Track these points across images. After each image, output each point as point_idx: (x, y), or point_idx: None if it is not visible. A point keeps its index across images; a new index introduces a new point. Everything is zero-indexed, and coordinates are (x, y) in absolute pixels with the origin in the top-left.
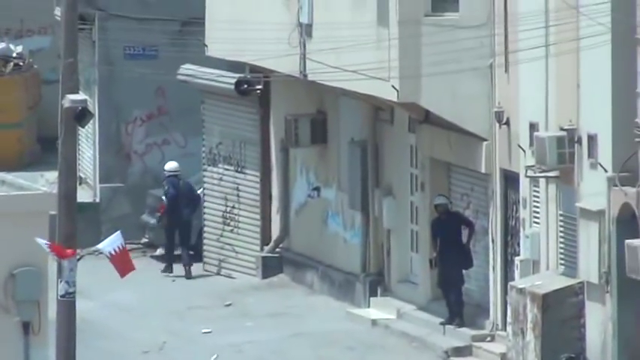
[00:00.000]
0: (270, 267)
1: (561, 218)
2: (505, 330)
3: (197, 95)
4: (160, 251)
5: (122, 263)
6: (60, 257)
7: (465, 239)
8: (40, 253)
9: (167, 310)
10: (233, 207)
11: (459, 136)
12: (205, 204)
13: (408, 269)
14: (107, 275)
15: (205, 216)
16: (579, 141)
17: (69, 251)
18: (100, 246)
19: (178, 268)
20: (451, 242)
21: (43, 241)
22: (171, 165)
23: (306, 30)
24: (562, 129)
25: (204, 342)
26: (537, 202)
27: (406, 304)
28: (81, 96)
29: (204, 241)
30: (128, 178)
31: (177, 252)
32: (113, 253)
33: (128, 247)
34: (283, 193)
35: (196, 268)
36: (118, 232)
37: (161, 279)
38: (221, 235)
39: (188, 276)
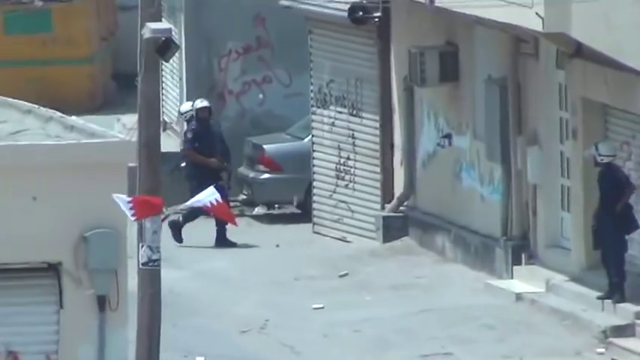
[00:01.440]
0: (392, 229)
1: None
2: None
3: (303, 24)
4: (258, 210)
5: (224, 212)
6: (142, 215)
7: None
8: (117, 212)
9: (270, 281)
10: (348, 158)
11: (618, 73)
12: (314, 154)
13: (558, 232)
14: (198, 239)
15: (314, 168)
16: None
17: (154, 203)
18: (190, 202)
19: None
20: (606, 202)
21: (121, 197)
22: (186, 106)
23: None
24: None
25: (315, 319)
26: None
27: (556, 274)
28: (164, 24)
29: (314, 198)
30: (221, 122)
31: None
32: (209, 205)
33: None
34: (407, 142)
35: (303, 231)
36: (212, 186)
37: (263, 243)
38: (334, 192)
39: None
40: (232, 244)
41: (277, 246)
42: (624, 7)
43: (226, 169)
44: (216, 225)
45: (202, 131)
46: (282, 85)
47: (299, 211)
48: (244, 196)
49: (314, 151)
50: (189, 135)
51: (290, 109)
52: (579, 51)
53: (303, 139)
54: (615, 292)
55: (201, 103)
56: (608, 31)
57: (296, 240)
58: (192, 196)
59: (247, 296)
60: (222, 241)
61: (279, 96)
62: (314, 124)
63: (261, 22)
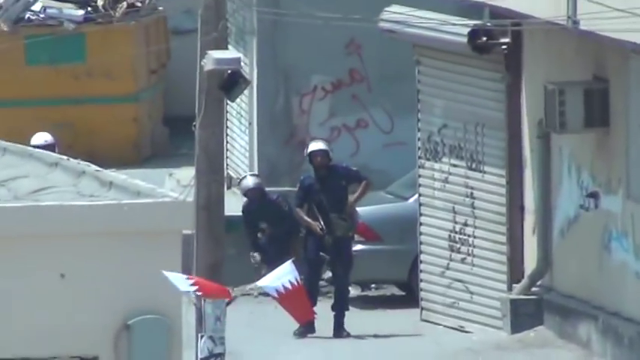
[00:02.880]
0: (523, 316)
1: None
2: None
3: (410, 53)
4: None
5: (298, 305)
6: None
7: None
8: (170, 293)
9: None
10: (465, 224)
11: None
12: (422, 219)
13: None
14: (272, 327)
15: (422, 237)
16: None
17: (218, 288)
18: (262, 282)
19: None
20: None
21: (175, 275)
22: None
23: None
24: None
25: None
26: None
27: None
28: (232, 53)
29: (421, 276)
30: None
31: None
32: (282, 291)
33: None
34: (542, 203)
35: (408, 317)
36: (289, 261)
37: (357, 334)
38: (447, 267)
39: None
40: (347, 334)
41: (374, 336)
42: None
43: (324, 239)
44: (334, 308)
45: (317, 184)
46: (382, 132)
47: (402, 293)
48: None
49: (421, 215)
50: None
51: (391, 162)
52: None
53: (407, 199)
54: None
55: (315, 144)
56: None
57: (399, 329)
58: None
59: None
60: (339, 329)
61: (377, 145)
62: (422, 181)
63: (356, 50)
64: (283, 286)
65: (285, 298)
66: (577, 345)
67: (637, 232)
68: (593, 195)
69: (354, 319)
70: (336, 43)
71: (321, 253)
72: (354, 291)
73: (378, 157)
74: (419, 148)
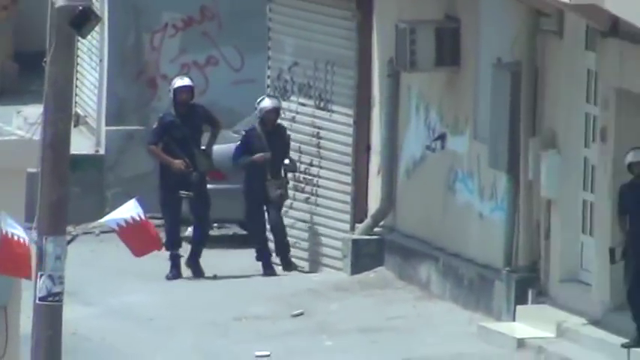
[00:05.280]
0: (364, 256)
1: None
2: None
3: None
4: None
5: (139, 238)
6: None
7: None
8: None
9: (204, 321)
10: (310, 164)
11: None
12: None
13: (577, 262)
14: (115, 267)
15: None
16: None
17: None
18: (104, 219)
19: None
20: None
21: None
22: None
23: None
24: None
25: None
26: None
27: (571, 316)
28: None
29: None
30: (151, 116)
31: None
32: (124, 224)
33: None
34: (388, 143)
35: (249, 257)
36: (134, 199)
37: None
38: (290, 207)
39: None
40: (200, 273)
41: (214, 277)
42: None
43: (190, 175)
44: (191, 242)
45: (178, 120)
46: (232, 69)
47: (244, 232)
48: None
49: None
50: (156, 124)
51: (240, 100)
52: (615, 28)
53: None
54: None
55: (181, 80)
56: None
57: (239, 269)
58: (166, 211)
59: (173, 341)
60: (193, 262)
61: (226, 82)
62: None
63: None
64: (125, 220)
65: (125, 231)
66: (417, 286)
67: (482, 173)
68: (440, 137)
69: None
70: None
71: (182, 191)
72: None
73: (227, 95)
74: (268, 86)
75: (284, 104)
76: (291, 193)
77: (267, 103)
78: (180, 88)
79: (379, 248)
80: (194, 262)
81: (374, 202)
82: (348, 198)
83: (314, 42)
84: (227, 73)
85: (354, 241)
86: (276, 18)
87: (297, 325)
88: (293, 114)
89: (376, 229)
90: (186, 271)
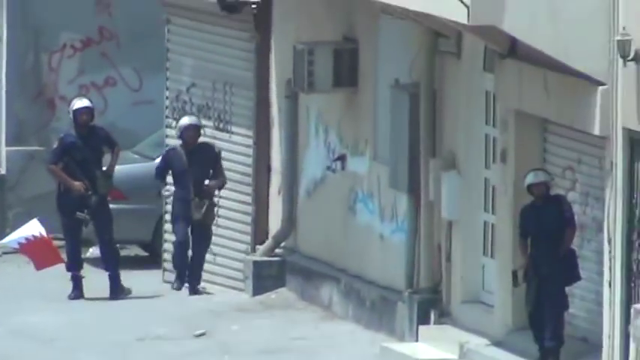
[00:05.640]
0: (266, 278)
1: None
2: None
3: (159, 12)
4: (93, 251)
5: (40, 252)
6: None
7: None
8: None
9: (107, 341)
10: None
11: (561, 79)
12: (168, 179)
13: (478, 283)
14: (15, 286)
15: (168, 198)
16: None
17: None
18: (5, 240)
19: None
20: (550, 243)
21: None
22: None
23: None
24: None
25: None
26: None
27: (473, 337)
28: None
29: (165, 236)
30: (51, 137)
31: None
32: (24, 242)
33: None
34: (289, 164)
35: (151, 278)
36: (35, 219)
37: (99, 293)
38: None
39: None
40: (128, 292)
41: (128, 296)
42: None
43: (89, 198)
44: (106, 269)
45: (79, 142)
46: (130, 90)
47: (146, 254)
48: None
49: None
50: (57, 144)
51: (139, 121)
52: (513, 50)
53: (153, 159)
54: (548, 359)
55: (80, 102)
56: (551, 25)
57: (141, 290)
58: (66, 234)
59: None
60: (116, 289)
61: (125, 103)
62: (169, 141)
63: (105, 8)
64: (26, 238)
65: (26, 247)
66: (319, 307)
67: (383, 193)
68: (340, 158)
69: (98, 279)
70: (85, 0)
71: (79, 213)
72: (97, 250)
73: (125, 116)
74: (166, 107)
75: None
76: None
77: (185, 120)
78: (80, 110)
79: (281, 269)
80: (116, 285)
81: (275, 223)
82: (248, 219)
83: (212, 63)
84: (126, 94)
85: (255, 263)
86: (174, 39)
87: (200, 345)
88: None
89: (277, 250)
90: (88, 292)
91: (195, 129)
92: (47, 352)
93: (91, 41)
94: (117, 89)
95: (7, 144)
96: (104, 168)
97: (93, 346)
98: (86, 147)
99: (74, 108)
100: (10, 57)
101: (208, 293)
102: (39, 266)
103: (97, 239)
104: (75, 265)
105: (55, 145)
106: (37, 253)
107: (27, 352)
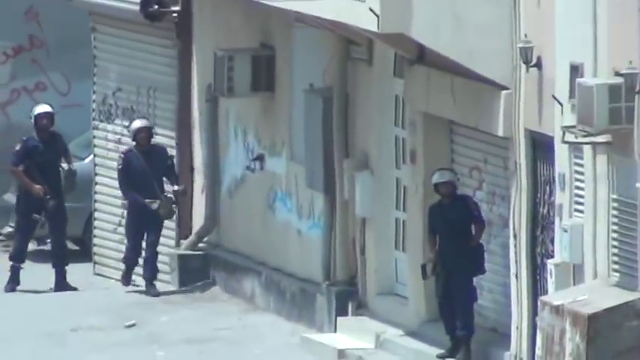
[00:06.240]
0: (190, 271)
1: (615, 204)
2: None
3: (86, 20)
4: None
5: None
6: None
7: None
8: None
9: (41, 332)
10: None
11: (467, 83)
12: (97, 178)
13: (392, 276)
14: None
15: (96, 196)
16: None
17: None
18: None
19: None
20: (456, 239)
21: None
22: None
23: None
24: (618, 74)
25: None
26: (581, 180)
27: (389, 328)
28: None
29: (95, 232)
30: None
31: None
32: None
33: None
34: (210, 164)
35: (82, 271)
36: None
37: (32, 286)
38: (119, 224)
39: (61, 286)
40: (73, 288)
41: (51, 289)
42: (476, 4)
43: (47, 202)
44: (54, 265)
45: (41, 146)
46: (59, 94)
47: (77, 248)
48: (10, 229)
49: (96, 174)
50: (19, 147)
51: (68, 123)
52: (422, 56)
53: (83, 159)
54: (460, 348)
55: (41, 107)
56: (457, 33)
57: (73, 282)
58: (19, 231)
59: (10, 351)
60: (62, 284)
61: (54, 107)
62: (96, 142)
63: (34, 17)
64: None
65: None
66: (241, 299)
67: (300, 192)
68: (259, 157)
69: (30, 273)
70: (16, 9)
71: (35, 215)
72: (30, 245)
73: (55, 118)
74: (93, 110)
75: (109, 127)
76: (119, 211)
77: (136, 123)
78: (41, 115)
79: (205, 263)
80: (62, 281)
81: (198, 220)
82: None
83: (137, 69)
84: (55, 97)
85: (180, 256)
86: (101, 46)
87: (130, 335)
88: (118, 136)
89: (201, 245)
90: (23, 284)
91: (147, 130)
92: None
93: (22, 48)
94: (47, 93)
95: None
96: (65, 166)
97: (27, 336)
98: (47, 151)
99: (35, 113)
100: None
101: (137, 286)
102: None
103: (50, 237)
104: (19, 257)
105: (17, 148)
106: None
107: None
